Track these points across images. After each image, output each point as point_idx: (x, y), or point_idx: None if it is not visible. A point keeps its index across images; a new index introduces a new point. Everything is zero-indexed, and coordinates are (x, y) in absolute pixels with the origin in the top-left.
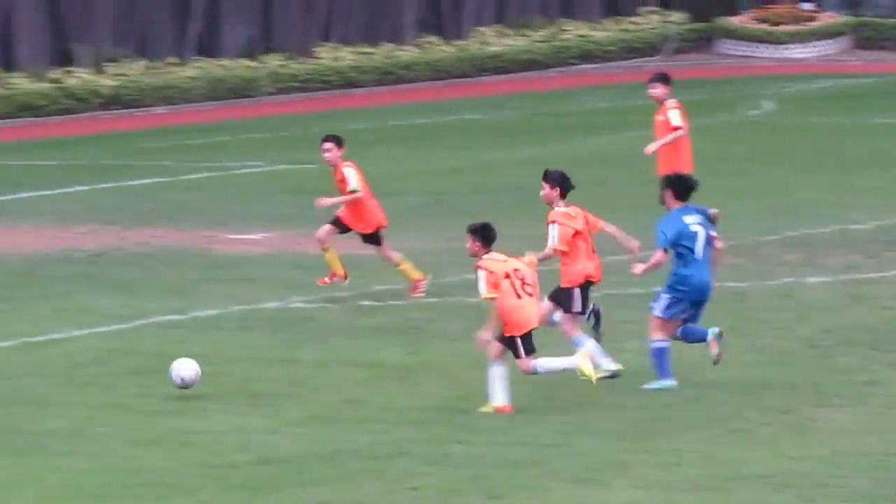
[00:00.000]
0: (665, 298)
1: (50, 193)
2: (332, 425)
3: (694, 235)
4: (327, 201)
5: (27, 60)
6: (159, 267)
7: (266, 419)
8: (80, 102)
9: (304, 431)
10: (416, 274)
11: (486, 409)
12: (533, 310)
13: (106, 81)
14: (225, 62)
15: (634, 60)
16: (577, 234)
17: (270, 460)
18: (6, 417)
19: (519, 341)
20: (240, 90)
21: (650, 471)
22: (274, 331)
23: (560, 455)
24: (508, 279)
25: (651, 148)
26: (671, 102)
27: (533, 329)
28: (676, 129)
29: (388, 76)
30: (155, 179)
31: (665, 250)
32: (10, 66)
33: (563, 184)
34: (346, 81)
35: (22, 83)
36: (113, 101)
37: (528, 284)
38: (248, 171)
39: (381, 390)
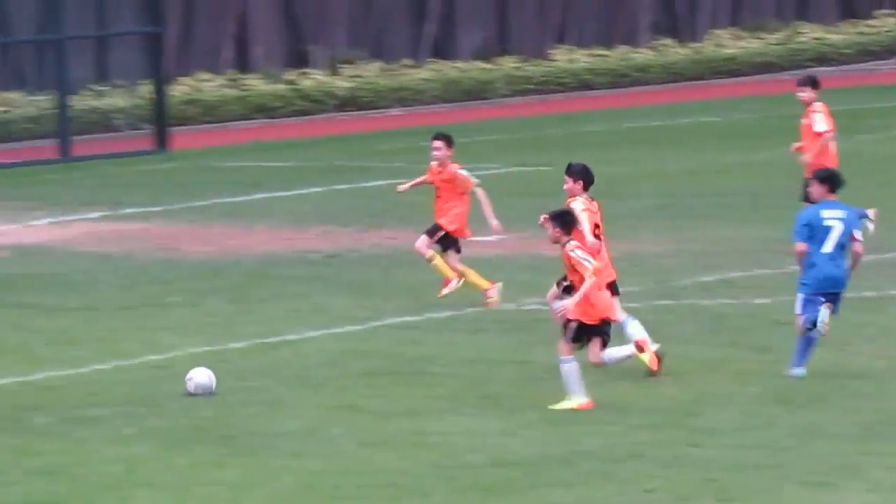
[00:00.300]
0: (799, 298)
1: (285, 195)
2: (566, 427)
3: (827, 229)
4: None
5: (262, 62)
6: (394, 268)
7: (499, 421)
8: (314, 104)
9: (537, 434)
10: (484, 283)
11: (563, 405)
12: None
13: (341, 83)
14: (460, 64)
15: (870, 63)
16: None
17: (503, 462)
18: (240, 418)
19: (592, 329)
20: (474, 92)
21: (884, 474)
22: (507, 332)
23: (793, 458)
24: None
25: (805, 158)
26: (817, 106)
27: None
28: (820, 133)
29: (623, 78)
30: (389, 181)
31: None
32: (245, 68)
33: (585, 177)
34: (581, 83)
35: (257, 85)
36: (348, 103)
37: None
38: (482, 173)
39: (614, 392)
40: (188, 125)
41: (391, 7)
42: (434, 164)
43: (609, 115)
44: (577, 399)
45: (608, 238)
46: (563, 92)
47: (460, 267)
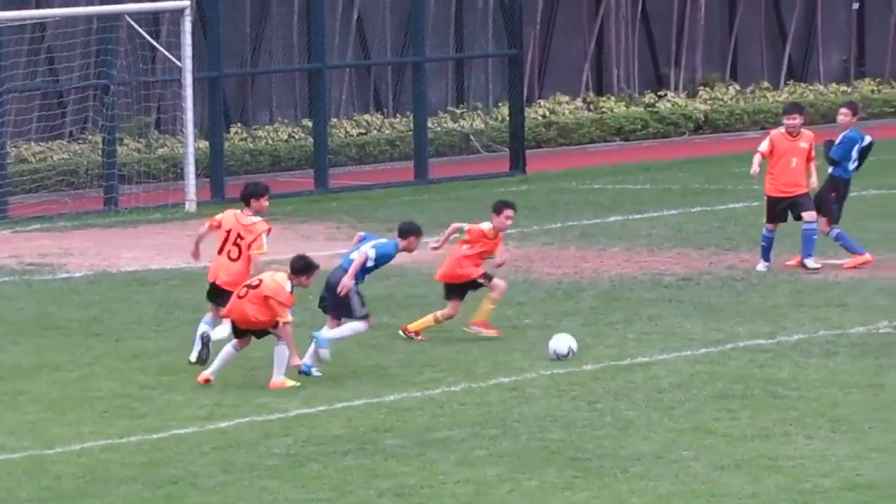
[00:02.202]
0: None
1: (639, 217)
2: None
3: None
4: None
5: (619, 85)
6: (747, 291)
7: (850, 444)
8: (671, 126)
9: (889, 457)
10: None
11: None
12: None
13: (698, 105)
14: (817, 87)
15: None
16: None
17: (854, 486)
18: (591, 440)
19: None
20: (830, 115)
21: None
22: (859, 356)
23: None
24: None
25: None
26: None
27: None
28: None
29: None
30: (745, 203)
31: None
32: (602, 91)
33: None
34: None
35: (614, 107)
36: (704, 125)
37: None
38: None
39: None
40: (544, 147)
41: (749, 30)
42: None
43: None
44: None
45: None
46: None
47: None
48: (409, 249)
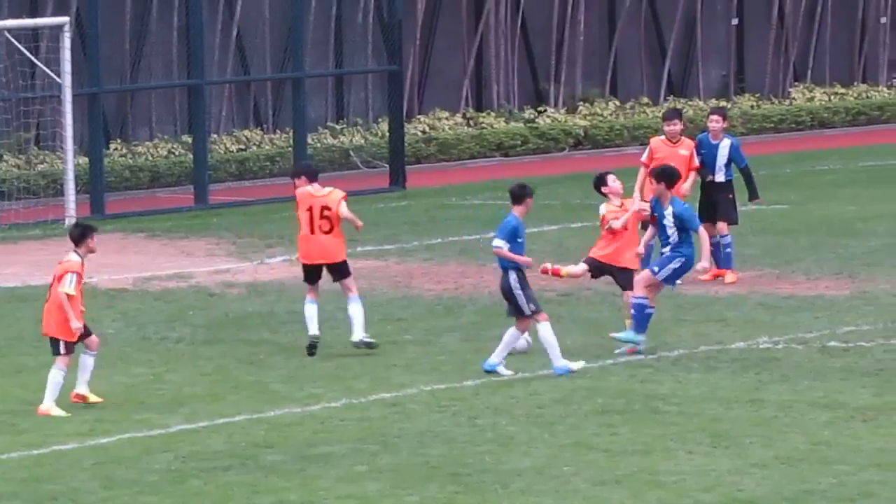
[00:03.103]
0: None
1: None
2: (797, 466)
3: None
4: None
5: (499, 101)
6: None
7: (731, 460)
8: (551, 142)
9: (769, 473)
10: None
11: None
12: None
13: (578, 121)
14: (696, 102)
15: None
16: None
17: (735, 501)
18: (472, 456)
19: None
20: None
21: None
22: (740, 371)
23: None
24: None
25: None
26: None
27: None
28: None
29: (860, 117)
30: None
31: None
32: (482, 107)
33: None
34: (819, 122)
35: (495, 123)
36: (584, 141)
37: None
38: None
39: (847, 432)
40: (424, 163)
41: (628, 45)
42: None
43: (845, 154)
44: None
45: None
46: (799, 130)
47: None
48: (527, 210)
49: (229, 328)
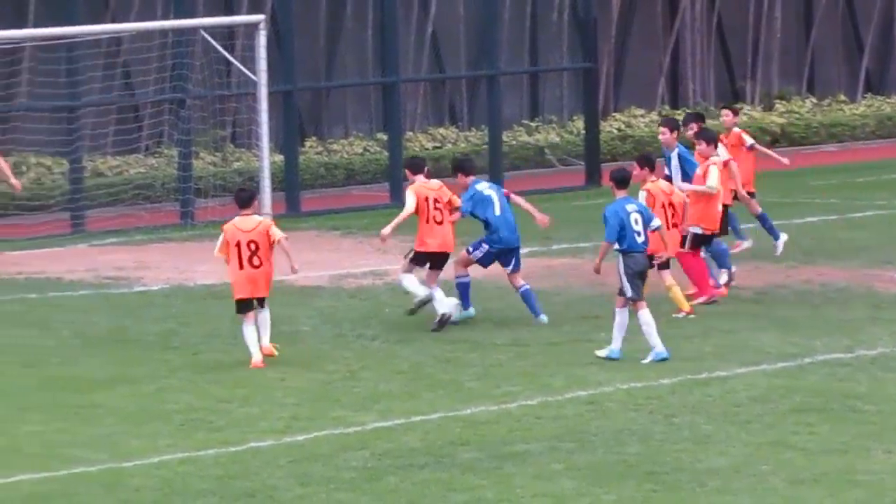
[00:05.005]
0: None
1: None
2: None
3: None
4: None
5: (695, 98)
6: (824, 305)
7: None
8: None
9: None
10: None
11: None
12: None
13: (775, 118)
14: (894, 99)
15: None
16: None
17: None
18: (668, 454)
19: None
20: None
21: None
22: None
23: None
24: None
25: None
26: None
27: None
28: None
29: None
30: (821, 217)
31: None
32: (678, 104)
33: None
34: None
35: None
36: (781, 139)
37: None
38: None
39: None
40: (620, 160)
41: (825, 43)
42: None
43: None
44: None
45: None
46: None
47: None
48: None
49: (424, 325)
